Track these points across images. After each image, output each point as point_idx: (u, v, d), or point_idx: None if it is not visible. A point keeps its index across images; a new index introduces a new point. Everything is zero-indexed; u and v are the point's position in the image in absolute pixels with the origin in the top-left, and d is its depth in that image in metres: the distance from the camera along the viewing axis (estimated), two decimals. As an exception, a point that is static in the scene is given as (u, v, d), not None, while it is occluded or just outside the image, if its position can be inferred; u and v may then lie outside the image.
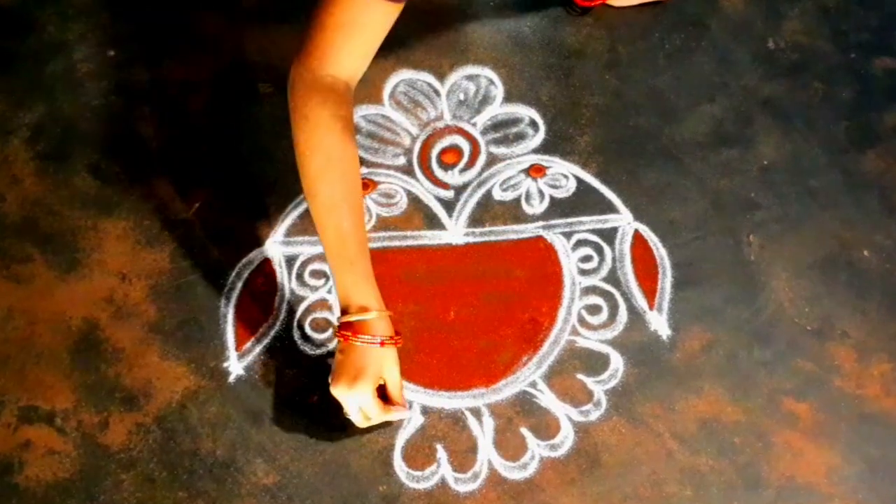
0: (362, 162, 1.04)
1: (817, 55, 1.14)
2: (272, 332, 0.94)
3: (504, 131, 1.07)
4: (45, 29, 1.11)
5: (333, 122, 0.77)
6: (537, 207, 1.02)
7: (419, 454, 0.89)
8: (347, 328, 0.80)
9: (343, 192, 0.78)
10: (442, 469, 0.88)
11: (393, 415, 0.84)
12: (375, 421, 0.84)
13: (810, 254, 1.01)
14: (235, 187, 1.02)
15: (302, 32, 0.78)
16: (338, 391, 0.80)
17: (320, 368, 0.92)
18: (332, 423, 0.88)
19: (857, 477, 0.89)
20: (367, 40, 0.78)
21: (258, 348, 0.93)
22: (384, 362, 0.81)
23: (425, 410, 0.91)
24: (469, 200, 1.02)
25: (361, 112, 1.07)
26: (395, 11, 0.77)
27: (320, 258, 0.98)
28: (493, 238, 1.00)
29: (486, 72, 1.11)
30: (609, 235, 1.01)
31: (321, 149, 0.77)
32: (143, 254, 0.98)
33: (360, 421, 0.84)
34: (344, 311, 0.80)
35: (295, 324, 0.95)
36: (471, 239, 1.00)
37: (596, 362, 0.94)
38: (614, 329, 0.96)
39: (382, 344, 0.79)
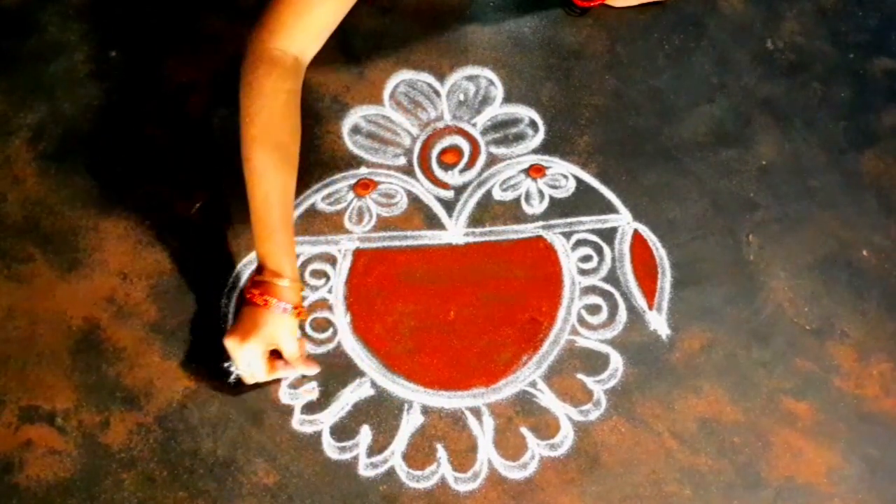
0: (362, 162, 1.04)
1: (816, 56, 1.14)
2: (272, 332, 0.94)
3: (504, 131, 1.07)
4: (46, 29, 1.11)
5: (275, 93, 0.81)
6: (537, 207, 1.02)
7: (419, 454, 0.89)
8: (256, 287, 0.83)
9: (275, 162, 0.82)
10: (442, 469, 0.88)
11: (281, 373, 0.88)
12: (260, 380, 0.87)
13: (809, 253, 1.01)
14: (236, 187, 1.01)
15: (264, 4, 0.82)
16: (228, 343, 0.84)
17: (321, 368, 0.92)
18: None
19: (856, 477, 0.89)
20: (320, 22, 0.82)
21: (258, 348, 0.93)
22: (280, 328, 0.84)
23: (425, 410, 0.91)
24: (469, 200, 1.03)
25: (361, 112, 1.07)
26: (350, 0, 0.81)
27: (320, 258, 0.98)
28: (493, 238, 1.01)
29: (486, 72, 1.11)
30: (608, 235, 1.01)
31: (259, 117, 0.80)
32: (144, 253, 0.98)
33: (246, 377, 0.87)
34: (259, 272, 0.84)
35: (295, 323, 0.95)
36: (471, 239, 1.00)
37: (595, 362, 0.94)
38: (614, 329, 0.96)
39: (284, 311, 0.83)
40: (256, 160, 0.81)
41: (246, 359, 0.84)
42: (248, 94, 0.81)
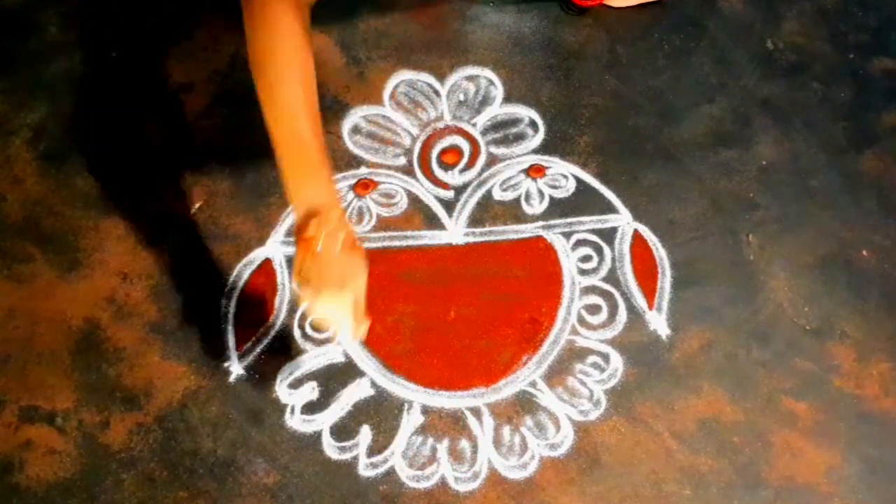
0: (362, 162, 1.04)
1: (816, 56, 1.14)
2: (273, 332, 0.94)
3: (504, 131, 1.07)
4: (46, 30, 1.11)
5: (294, 29, 0.75)
6: (537, 207, 1.02)
7: (419, 454, 0.89)
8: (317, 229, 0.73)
9: (304, 98, 0.75)
10: (442, 469, 0.88)
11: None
12: (348, 325, 0.76)
13: (809, 254, 1.01)
14: (236, 187, 1.02)
15: None
16: (325, 299, 0.73)
17: (320, 368, 0.92)
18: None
19: (856, 476, 0.89)
20: None
21: (259, 348, 0.93)
22: (361, 266, 0.75)
23: (425, 410, 0.91)
24: (469, 200, 1.03)
25: (361, 112, 1.07)
26: None
27: (321, 258, 0.98)
28: (493, 238, 1.01)
29: (486, 72, 1.11)
30: (608, 235, 1.01)
31: (282, 53, 0.74)
32: (144, 253, 0.98)
33: (335, 326, 0.77)
34: (308, 216, 0.74)
35: (295, 323, 0.95)
36: (471, 239, 1.00)
37: (595, 362, 0.94)
38: (614, 329, 0.96)
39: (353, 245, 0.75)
40: (283, 101, 0.74)
41: (342, 308, 0.74)
42: (264, 31, 0.74)
